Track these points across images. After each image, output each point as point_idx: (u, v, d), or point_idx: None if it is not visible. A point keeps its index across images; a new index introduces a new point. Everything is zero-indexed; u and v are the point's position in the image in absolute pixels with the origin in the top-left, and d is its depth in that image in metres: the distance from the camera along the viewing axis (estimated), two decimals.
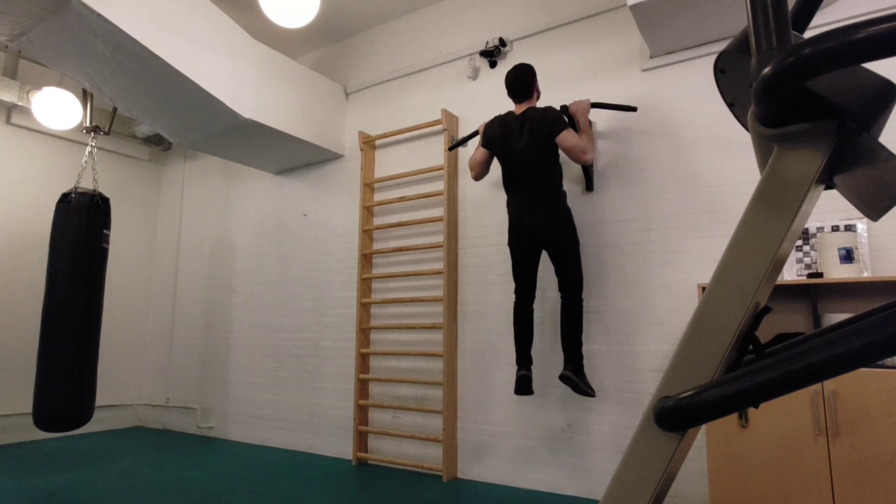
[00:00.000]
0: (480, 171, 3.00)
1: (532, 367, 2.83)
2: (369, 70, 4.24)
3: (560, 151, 2.75)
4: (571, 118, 2.87)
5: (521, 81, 2.84)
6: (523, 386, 2.71)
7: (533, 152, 2.72)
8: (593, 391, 2.65)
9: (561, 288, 2.73)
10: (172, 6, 2.99)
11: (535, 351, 3.12)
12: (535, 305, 3.15)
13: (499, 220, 3.39)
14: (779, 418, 2.15)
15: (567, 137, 2.68)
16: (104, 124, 4.19)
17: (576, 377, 2.64)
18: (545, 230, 2.68)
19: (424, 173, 3.74)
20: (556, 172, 2.76)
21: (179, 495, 2.96)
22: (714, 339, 1.04)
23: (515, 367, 2.81)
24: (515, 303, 2.84)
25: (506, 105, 3.48)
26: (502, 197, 3.33)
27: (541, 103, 3.31)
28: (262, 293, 4.55)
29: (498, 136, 2.85)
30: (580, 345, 2.69)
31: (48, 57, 2.95)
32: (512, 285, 3.27)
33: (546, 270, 3.16)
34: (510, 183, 2.82)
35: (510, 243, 2.82)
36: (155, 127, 3.72)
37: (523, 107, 2.84)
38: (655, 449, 1.04)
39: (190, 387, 4.94)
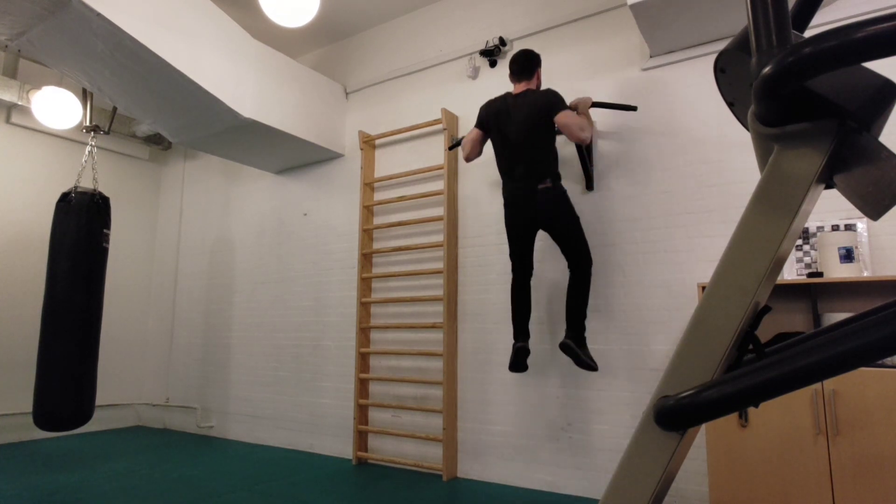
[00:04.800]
0: (472, 151, 2.95)
1: (530, 342, 2.80)
2: (369, 69, 4.24)
3: (556, 136, 2.75)
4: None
5: (525, 59, 2.83)
6: (520, 358, 2.67)
7: (528, 132, 2.69)
8: (595, 364, 2.57)
9: (570, 265, 2.69)
10: (172, 6, 2.99)
11: (533, 351, 3.12)
12: (533, 306, 3.15)
13: (499, 220, 3.39)
14: (779, 418, 2.15)
15: (565, 114, 2.66)
16: (104, 124, 4.19)
17: (577, 347, 2.57)
18: (542, 212, 2.66)
19: (424, 173, 3.74)
20: (552, 154, 2.73)
21: (179, 494, 2.96)
22: (714, 338, 1.04)
23: (512, 342, 2.76)
24: (513, 280, 2.81)
25: None
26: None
27: None
28: (263, 293, 4.55)
29: (493, 115, 2.83)
30: (584, 316, 2.64)
31: (48, 56, 2.95)
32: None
33: (540, 267, 3.16)
34: (505, 164, 2.80)
35: (507, 224, 2.78)
36: (155, 126, 3.72)
37: (522, 87, 2.82)
38: (655, 448, 1.04)
39: (190, 386, 4.94)
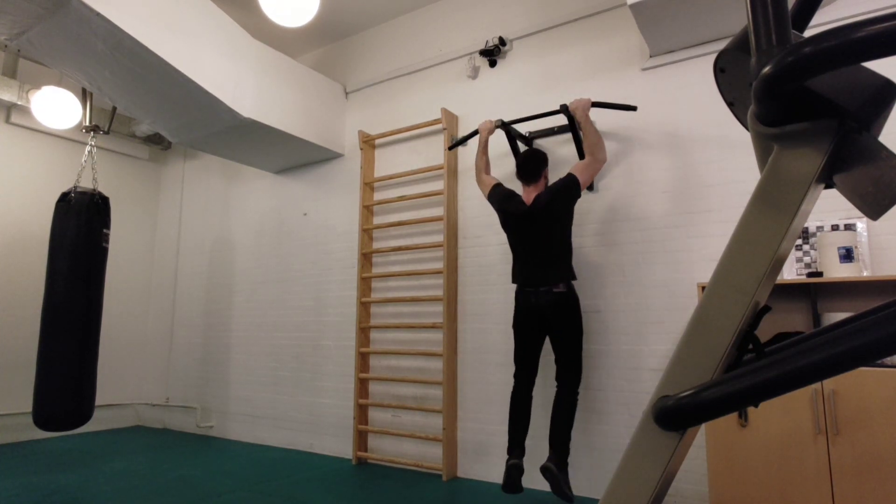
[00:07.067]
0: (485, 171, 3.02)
1: (524, 459, 2.66)
2: (369, 69, 4.23)
3: (572, 222, 2.71)
4: (571, 117, 2.87)
5: (533, 162, 2.73)
6: (513, 477, 2.50)
7: (546, 236, 2.63)
8: (572, 494, 2.43)
9: (558, 377, 2.64)
10: (172, 5, 2.99)
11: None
12: None
13: (498, 220, 3.39)
14: (778, 418, 2.15)
15: (580, 171, 2.65)
16: (104, 123, 4.19)
17: (557, 471, 2.44)
18: (551, 315, 2.59)
19: (424, 172, 3.74)
20: (568, 253, 2.67)
21: (179, 494, 2.96)
22: (714, 338, 1.04)
23: (506, 455, 2.61)
24: (515, 387, 2.72)
25: (505, 105, 3.49)
26: None
27: (541, 104, 3.32)
28: (262, 292, 4.55)
29: (506, 208, 2.77)
30: (569, 438, 2.55)
31: (48, 56, 2.94)
32: (511, 283, 3.28)
33: None
34: (518, 261, 2.74)
35: (515, 326, 2.72)
36: (155, 126, 3.72)
37: (531, 192, 2.72)
38: (655, 448, 1.04)
39: (190, 386, 4.94)
